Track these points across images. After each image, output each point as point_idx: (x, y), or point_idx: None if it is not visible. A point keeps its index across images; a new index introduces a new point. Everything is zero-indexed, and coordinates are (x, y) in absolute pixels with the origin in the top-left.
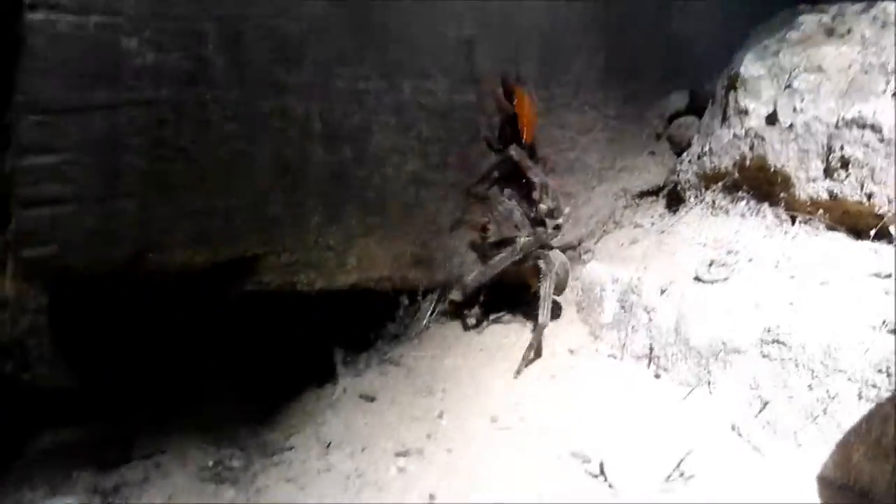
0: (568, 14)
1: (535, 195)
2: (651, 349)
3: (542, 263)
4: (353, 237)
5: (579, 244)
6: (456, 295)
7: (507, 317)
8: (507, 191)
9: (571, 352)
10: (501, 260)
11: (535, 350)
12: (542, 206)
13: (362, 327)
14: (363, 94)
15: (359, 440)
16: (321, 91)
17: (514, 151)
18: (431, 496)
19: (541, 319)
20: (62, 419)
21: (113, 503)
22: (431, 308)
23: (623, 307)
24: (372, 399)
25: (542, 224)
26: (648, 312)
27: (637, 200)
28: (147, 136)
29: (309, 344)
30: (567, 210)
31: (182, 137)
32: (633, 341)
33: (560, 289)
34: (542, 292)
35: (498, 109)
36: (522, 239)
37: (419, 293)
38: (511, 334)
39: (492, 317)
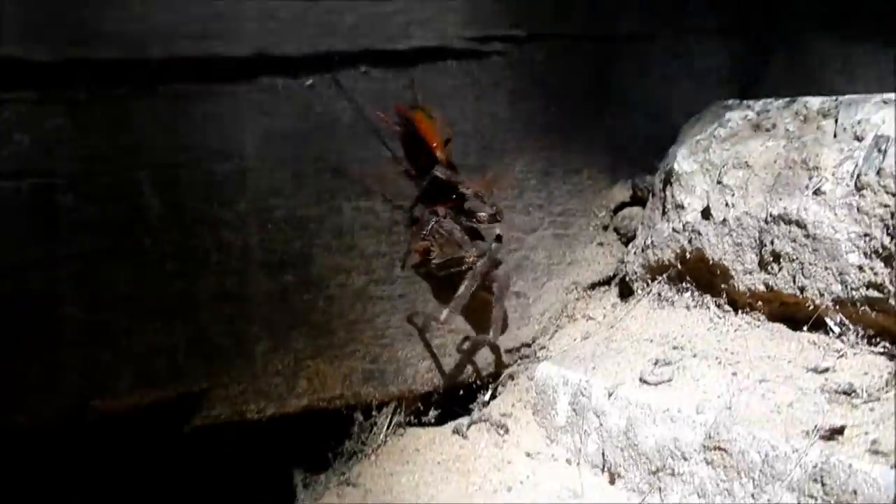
0: (508, 118)
1: (469, 205)
2: (604, 454)
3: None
4: (301, 360)
5: (533, 342)
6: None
7: (464, 420)
8: (440, 210)
9: (529, 456)
10: (467, 288)
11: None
12: (482, 214)
13: (321, 446)
14: (303, 220)
15: None
16: (259, 222)
17: (438, 171)
18: None
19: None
20: None
21: None
22: (387, 422)
23: (575, 410)
24: None
25: (480, 237)
26: (599, 416)
27: (589, 292)
28: (86, 286)
29: (270, 466)
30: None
31: (122, 283)
32: (587, 445)
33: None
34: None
35: (403, 142)
36: (478, 263)
37: (373, 408)
38: (467, 444)
39: (451, 423)
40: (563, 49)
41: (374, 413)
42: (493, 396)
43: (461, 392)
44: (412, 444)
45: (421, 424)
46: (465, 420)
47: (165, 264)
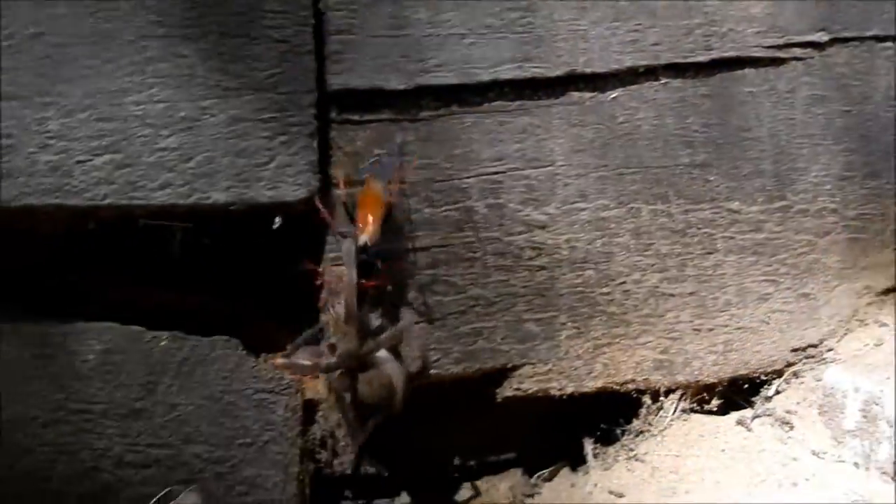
0: (804, 123)
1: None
2: None
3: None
4: (599, 347)
5: (820, 343)
6: None
7: (748, 413)
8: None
9: (814, 455)
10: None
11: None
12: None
13: (609, 422)
14: (605, 221)
15: None
16: (567, 223)
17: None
18: None
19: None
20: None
21: None
22: (673, 407)
23: (866, 417)
24: (620, 496)
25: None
26: (892, 426)
27: (883, 297)
28: (425, 275)
29: (562, 432)
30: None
31: (453, 273)
32: (877, 452)
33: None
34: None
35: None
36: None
37: (661, 394)
38: (752, 436)
39: (734, 414)
40: (866, 51)
41: (661, 398)
42: (777, 392)
43: (745, 385)
44: (697, 430)
45: (704, 413)
46: (748, 413)
47: (487, 259)
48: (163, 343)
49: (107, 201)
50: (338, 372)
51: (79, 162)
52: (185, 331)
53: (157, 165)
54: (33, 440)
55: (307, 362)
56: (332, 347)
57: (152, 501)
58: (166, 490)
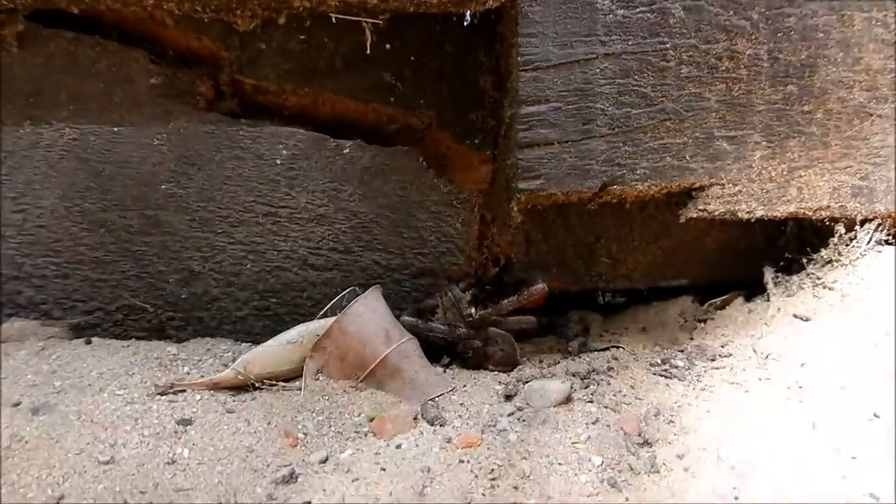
0: None
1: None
2: None
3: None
4: (794, 169)
5: None
6: None
7: None
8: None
9: None
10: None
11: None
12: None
13: (794, 250)
14: (811, 30)
15: (796, 356)
16: (769, 31)
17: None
18: (875, 415)
19: None
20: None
21: (588, 385)
22: (868, 237)
23: None
24: (806, 320)
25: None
26: None
27: None
28: (615, 84)
29: (738, 259)
30: None
31: (644, 83)
32: None
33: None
34: None
35: None
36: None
37: (856, 223)
38: None
39: None
40: None
41: (856, 228)
42: None
43: None
44: (891, 262)
45: None
46: None
47: (681, 69)
48: (346, 151)
49: None
50: None
51: None
52: (367, 141)
53: None
54: (225, 238)
55: None
56: None
57: (336, 298)
58: (350, 289)
